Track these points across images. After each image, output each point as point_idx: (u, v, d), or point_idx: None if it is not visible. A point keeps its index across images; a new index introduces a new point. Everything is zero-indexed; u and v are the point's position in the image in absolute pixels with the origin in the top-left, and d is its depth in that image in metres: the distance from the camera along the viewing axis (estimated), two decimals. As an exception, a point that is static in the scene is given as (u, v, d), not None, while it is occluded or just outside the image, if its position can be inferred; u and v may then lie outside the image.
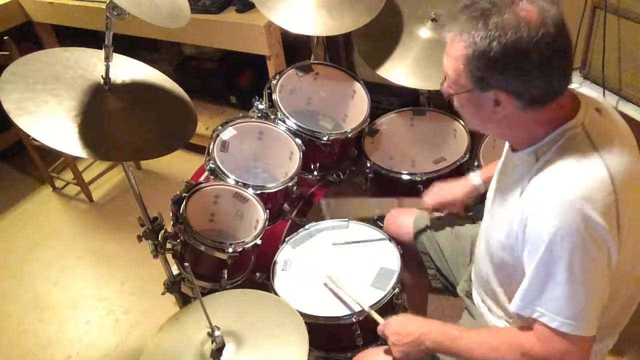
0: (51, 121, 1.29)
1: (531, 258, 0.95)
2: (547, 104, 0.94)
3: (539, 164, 0.97)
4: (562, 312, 0.93)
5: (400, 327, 1.18)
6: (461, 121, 1.97)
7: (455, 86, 0.98)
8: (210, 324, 1.12)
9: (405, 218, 1.58)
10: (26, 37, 2.84)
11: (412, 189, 1.81)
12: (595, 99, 1.03)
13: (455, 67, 0.95)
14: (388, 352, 1.23)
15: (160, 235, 1.67)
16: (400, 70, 1.90)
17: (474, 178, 1.45)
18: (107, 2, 1.25)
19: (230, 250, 1.54)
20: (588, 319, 0.94)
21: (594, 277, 0.92)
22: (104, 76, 1.38)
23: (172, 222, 1.59)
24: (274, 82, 1.89)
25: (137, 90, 1.48)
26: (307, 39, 2.18)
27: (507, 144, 1.14)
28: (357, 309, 1.38)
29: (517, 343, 1.02)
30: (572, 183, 0.91)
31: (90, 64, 1.44)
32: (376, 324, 1.29)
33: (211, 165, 1.70)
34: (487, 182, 1.39)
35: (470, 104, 1.00)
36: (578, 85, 1.07)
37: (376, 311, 1.34)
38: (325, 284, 1.46)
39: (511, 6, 0.89)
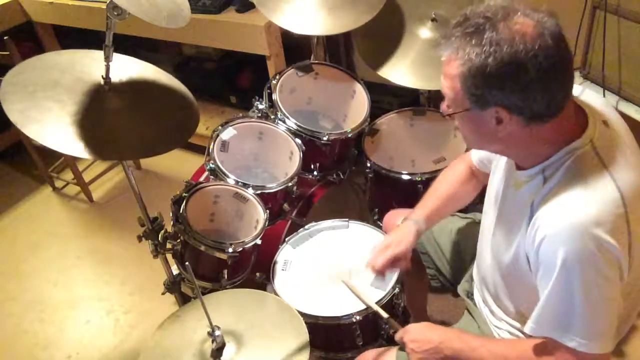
0: (57, 127, 1.28)
1: (545, 282, 0.94)
2: (550, 118, 0.91)
3: (547, 186, 0.94)
4: (579, 333, 0.92)
5: (420, 335, 1.16)
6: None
7: (454, 105, 0.96)
8: (211, 323, 1.11)
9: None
10: (26, 37, 2.84)
11: (412, 189, 1.82)
12: (601, 110, 1.00)
13: (453, 86, 0.93)
14: (392, 352, 1.23)
15: (160, 235, 1.67)
16: (400, 70, 1.89)
17: (417, 223, 1.34)
18: (107, 2, 1.25)
19: (230, 250, 1.54)
20: (605, 337, 0.93)
21: (608, 296, 0.91)
22: (104, 76, 1.38)
23: (172, 222, 1.59)
24: (274, 82, 1.89)
25: (137, 86, 1.47)
26: (307, 39, 2.18)
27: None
28: (363, 308, 1.37)
29: None
30: (583, 207, 0.89)
31: (85, 65, 1.44)
32: (392, 329, 1.28)
33: (211, 165, 1.70)
34: (429, 220, 1.34)
35: (471, 124, 0.97)
36: (579, 86, 1.05)
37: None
38: (345, 282, 1.43)
39: (505, 20, 0.86)
